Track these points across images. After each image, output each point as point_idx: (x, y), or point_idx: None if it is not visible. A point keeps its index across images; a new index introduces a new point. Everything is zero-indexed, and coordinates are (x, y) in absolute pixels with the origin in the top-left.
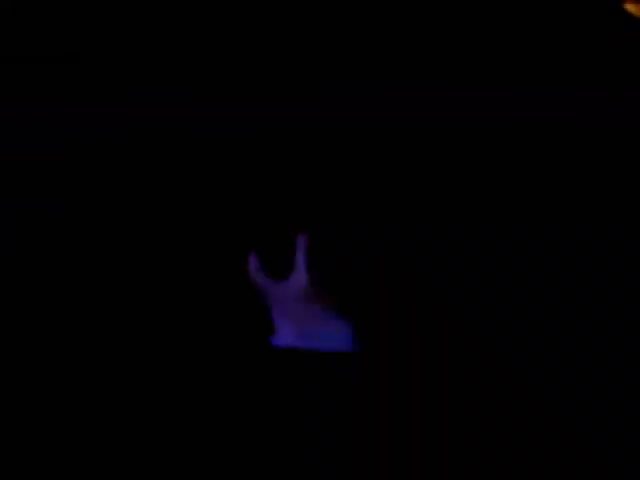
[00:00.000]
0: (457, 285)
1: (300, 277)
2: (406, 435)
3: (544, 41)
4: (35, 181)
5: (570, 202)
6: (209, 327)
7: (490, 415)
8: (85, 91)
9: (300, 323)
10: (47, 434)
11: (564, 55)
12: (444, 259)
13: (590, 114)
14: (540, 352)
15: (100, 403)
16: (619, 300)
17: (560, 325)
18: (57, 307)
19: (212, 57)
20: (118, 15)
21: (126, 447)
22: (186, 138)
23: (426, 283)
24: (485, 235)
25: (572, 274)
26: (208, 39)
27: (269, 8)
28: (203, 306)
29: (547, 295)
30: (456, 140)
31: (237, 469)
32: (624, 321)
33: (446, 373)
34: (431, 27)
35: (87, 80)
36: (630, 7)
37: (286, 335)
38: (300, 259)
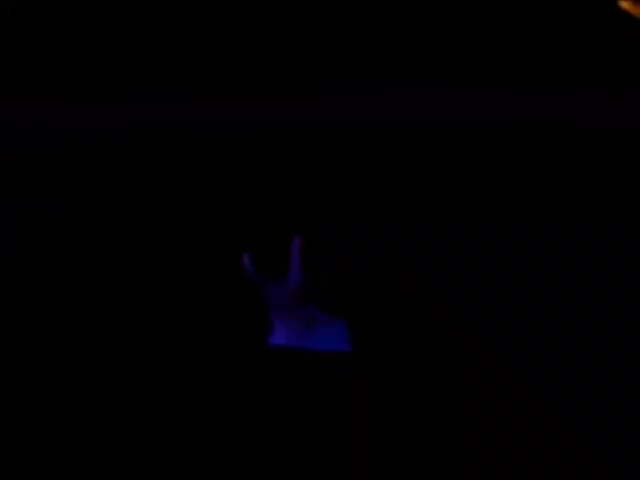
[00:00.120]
0: (457, 285)
1: (296, 277)
2: (406, 435)
3: (544, 41)
4: (35, 181)
5: (570, 202)
6: (206, 326)
7: (490, 415)
8: (85, 91)
9: (296, 323)
10: (47, 432)
11: (564, 55)
12: (444, 259)
13: (590, 114)
14: (540, 352)
15: (99, 400)
16: (619, 300)
17: (560, 325)
18: (57, 306)
19: (212, 57)
20: (118, 15)
21: (124, 447)
22: (186, 138)
23: (426, 283)
24: (485, 235)
25: (572, 274)
26: (208, 40)
27: (269, 9)
28: (200, 305)
29: (547, 295)
30: (456, 140)
31: (234, 467)
32: (624, 321)
33: (446, 372)
34: (431, 27)
35: (87, 80)
36: (625, 4)
37: (282, 334)
38: (296, 260)
